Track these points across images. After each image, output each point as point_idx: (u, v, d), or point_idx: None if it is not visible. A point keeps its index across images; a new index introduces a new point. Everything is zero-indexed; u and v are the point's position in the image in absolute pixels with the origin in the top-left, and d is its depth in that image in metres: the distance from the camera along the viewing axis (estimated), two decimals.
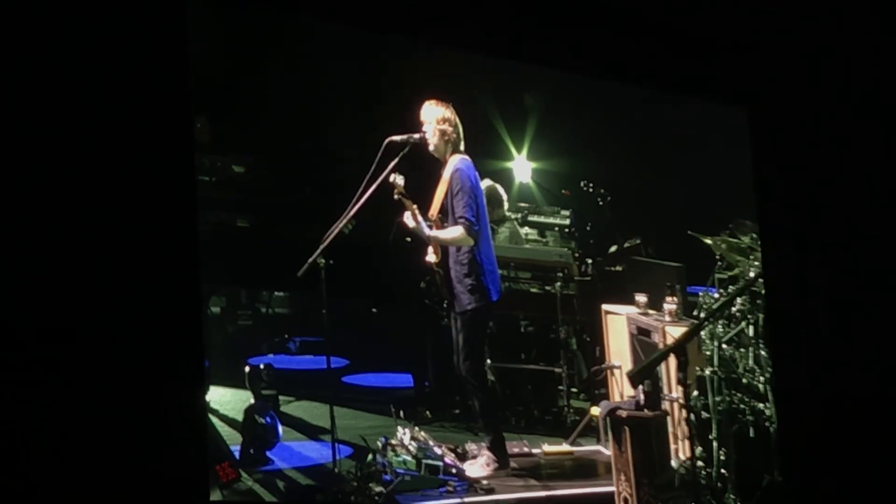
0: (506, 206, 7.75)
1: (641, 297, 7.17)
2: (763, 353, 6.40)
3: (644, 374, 5.89)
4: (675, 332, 6.45)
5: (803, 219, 6.37)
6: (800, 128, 6.43)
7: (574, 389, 7.76)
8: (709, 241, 6.91)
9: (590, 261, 7.96)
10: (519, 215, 7.88)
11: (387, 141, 6.44)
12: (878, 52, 6.39)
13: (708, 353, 6.52)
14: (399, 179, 6.43)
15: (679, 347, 5.27)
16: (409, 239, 6.78)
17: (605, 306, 7.54)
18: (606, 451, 6.64)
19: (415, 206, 6.55)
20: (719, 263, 6.86)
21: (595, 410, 6.92)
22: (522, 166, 8.01)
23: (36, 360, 4.13)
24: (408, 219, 6.60)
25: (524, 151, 7.92)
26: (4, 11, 4.06)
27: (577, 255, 7.93)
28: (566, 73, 7.46)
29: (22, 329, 4.10)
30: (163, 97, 4.77)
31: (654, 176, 7.93)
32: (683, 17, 6.26)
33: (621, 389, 7.00)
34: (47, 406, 4.18)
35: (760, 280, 6.35)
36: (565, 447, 7.12)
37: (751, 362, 6.45)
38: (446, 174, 6.68)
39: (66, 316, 4.27)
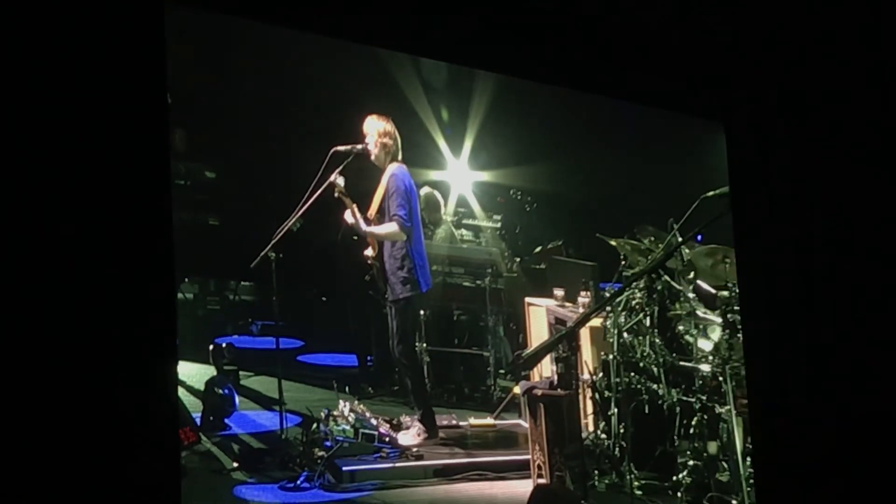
0: (443, 210, 7.92)
1: (559, 291, 7.34)
2: (657, 340, 6.54)
3: (536, 358, 6.08)
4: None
5: (779, 229, 6.22)
6: (777, 139, 6.24)
7: (501, 371, 8.01)
8: (614, 243, 7.00)
9: (517, 259, 8.19)
10: (455, 218, 8.09)
11: (332, 150, 6.53)
12: (853, 61, 6.18)
13: (611, 340, 6.61)
14: (339, 180, 6.52)
15: (570, 334, 5.45)
16: (355, 237, 6.88)
17: (528, 299, 7.71)
18: (526, 424, 6.71)
19: (354, 205, 6.67)
20: (623, 262, 6.97)
21: (517, 389, 6.97)
22: (463, 176, 8.25)
23: (30, 342, 4.27)
24: (348, 216, 6.71)
25: (464, 162, 8.16)
26: None
27: (506, 254, 8.15)
28: (503, 89, 7.64)
29: (17, 315, 4.24)
30: (143, 111, 4.94)
31: (575, 185, 8.15)
32: (657, 29, 6.06)
33: (540, 371, 7.09)
34: (35, 377, 4.34)
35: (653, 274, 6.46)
36: (489, 420, 7.28)
37: (647, 348, 6.56)
38: (384, 179, 6.79)
39: (59, 300, 4.44)
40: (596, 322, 6.79)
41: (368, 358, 7.90)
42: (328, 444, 6.32)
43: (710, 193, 5.50)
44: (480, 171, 8.20)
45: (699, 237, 6.70)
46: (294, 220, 6.45)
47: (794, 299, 5.83)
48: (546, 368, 7.08)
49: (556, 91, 7.06)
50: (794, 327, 5.78)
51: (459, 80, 7.83)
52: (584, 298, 7.12)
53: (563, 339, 5.48)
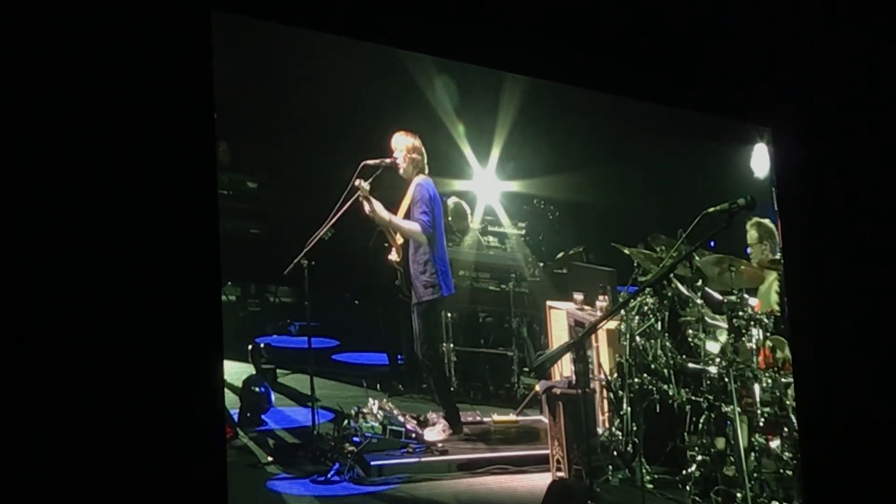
0: (469, 219, 8.01)
1: (578, 296, 7.38)
2: (668, 343, 6.64)
3: (546, 366, 6.17)
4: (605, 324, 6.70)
5: (825, 237, 6.02)
6: (823, 147, 6.03)
7: (525, 369, 8.11)
8: (627, 252, 7.10)
9: (541, 264, 8.27)
10: (481, 226, 8.18)
11: (362, 164, 6.68)
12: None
13: (624, 343, 6.74)
14: (364, 185, 6.67)
15: (578, 343, 5.50)
16: (386, 244, 7.02)
17: (549, 302, 7.78)
18: (546, 420, 6.79)
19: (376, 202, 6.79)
20: (637, 269, 7.06)
21: (539, 387, 7.08)
22: (489, 186, 8.33)
23: (86, 344, 4.38)
24: (366, 207, 6.79)
25: (491, 172, 8.22)
26: (39, 47, 4.30)
27: (530, 259, 8.23)
28: (528, 102, 7.66)
29: (73, 320, 4.35)
30: (191, 126, 5.03)
31: (596, 195, 8.19)
32: (704, 37, 5.92)
33: (560, 370, 7.12)
34: (89, 377, 4.45)
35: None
36: (512, 417, 7.36)
37: (659, 351, 6.66)
38: (410, 189, 6.94)
39: (115, 303, 4.55)
40: (612, 325, 6.89)
41: (399, 357, 7.99)
42: (357, 439, 6.43)
43: (711, 209, 5.55)
44: (507, 181, 8.27)
45: (712, 243, 6.76)
46: (325, 229, 6.58)
47: (842, 305, 5.78)
48: (566, 368, 7.16)
49: (580, 104, 7.11)
50: (842, 335, 5.74)
51: (486, 92, 7.89)
52: (602, 302, 7.19)
53: (573, 348, 5.51)
